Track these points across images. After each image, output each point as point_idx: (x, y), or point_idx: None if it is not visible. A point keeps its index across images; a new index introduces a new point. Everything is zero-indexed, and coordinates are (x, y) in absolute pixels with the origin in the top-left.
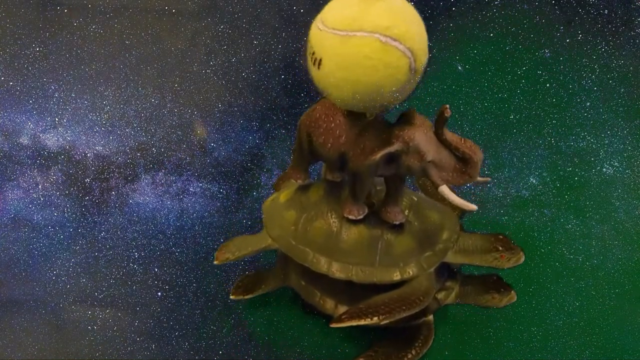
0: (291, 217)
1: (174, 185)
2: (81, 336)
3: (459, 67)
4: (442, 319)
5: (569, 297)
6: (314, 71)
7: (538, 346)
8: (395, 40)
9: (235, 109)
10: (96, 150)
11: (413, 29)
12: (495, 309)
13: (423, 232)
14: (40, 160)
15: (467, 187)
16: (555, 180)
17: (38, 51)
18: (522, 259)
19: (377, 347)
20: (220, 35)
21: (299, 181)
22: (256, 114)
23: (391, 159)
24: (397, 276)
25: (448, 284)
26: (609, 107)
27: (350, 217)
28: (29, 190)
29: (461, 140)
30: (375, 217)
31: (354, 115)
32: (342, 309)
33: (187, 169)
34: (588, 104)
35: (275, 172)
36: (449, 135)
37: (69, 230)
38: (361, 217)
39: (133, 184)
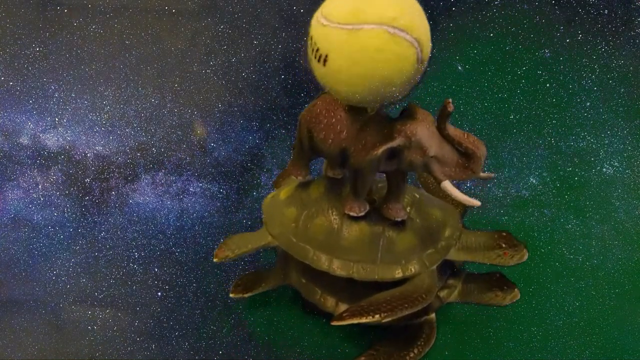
0: (291, 214)
1: (174, 185)
2: (81, 336)
3: (459, 67)
4: (442, 319)
5: (569, 297)
6: (318, 68)
7: (538, 346)
8: (402, 31)
9: (235, 109)
10: (96, 150)
11: (417, 19)
12: (495, 308)
13: (425, 229)
14: (40, 160)
15: (468, 186)
16: (555, 180)
17: (38, 51)
18: (526, 256)
19: (378, 347)
20: (220, 35)
21: (300, 178)
22: (256, 114)
23: (393, 154)
24: (398, 274)
25: (450, 281)
26: (609, 107)
27: (352, 214)
28: (29, 190)
29: (464, 135)
30: (376, 214)
31: (355, 111)
32: (343, 307)
33: (187, 169)
34: (588, 104)
35: (275, 172)
36: (451, 130)
37: (69, 230)
38: (362, 214)
39: (133, 184)
